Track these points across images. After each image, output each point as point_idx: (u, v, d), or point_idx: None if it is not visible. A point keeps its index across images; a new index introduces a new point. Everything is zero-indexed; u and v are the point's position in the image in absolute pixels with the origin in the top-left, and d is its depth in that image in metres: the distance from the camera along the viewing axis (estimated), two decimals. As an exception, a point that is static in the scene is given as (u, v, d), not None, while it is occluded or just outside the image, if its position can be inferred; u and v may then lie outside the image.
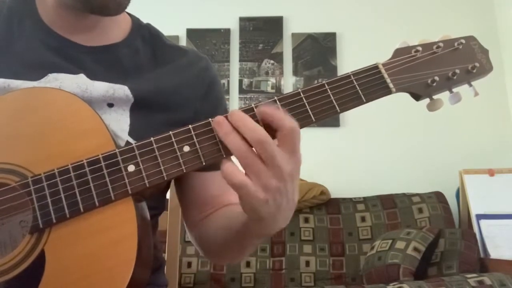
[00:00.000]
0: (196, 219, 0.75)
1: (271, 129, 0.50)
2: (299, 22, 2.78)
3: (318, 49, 2.73)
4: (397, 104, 2.23)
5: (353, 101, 0.57)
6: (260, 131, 0.49)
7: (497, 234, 2.07)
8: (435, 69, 0.60)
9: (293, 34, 2.76)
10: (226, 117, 0.51)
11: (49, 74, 0.65)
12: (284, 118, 0.49)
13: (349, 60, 2.68)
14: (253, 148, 0.49)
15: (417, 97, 0.61)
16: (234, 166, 0.48)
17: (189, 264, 2.15)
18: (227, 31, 2.78)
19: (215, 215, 0.72)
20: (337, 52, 2.72)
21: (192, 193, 0.75)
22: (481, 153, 2.50)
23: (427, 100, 0.62)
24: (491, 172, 2.26)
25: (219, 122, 0.51)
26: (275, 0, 2.81)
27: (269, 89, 2.71)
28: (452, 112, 2.44)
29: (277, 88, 2.70)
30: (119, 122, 0.66)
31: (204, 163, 0.53)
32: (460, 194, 2.30)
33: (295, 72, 2.72)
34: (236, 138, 0.49)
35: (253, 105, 0.54)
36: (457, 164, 2.37)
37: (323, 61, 2.72)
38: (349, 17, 2.76)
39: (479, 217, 2.14)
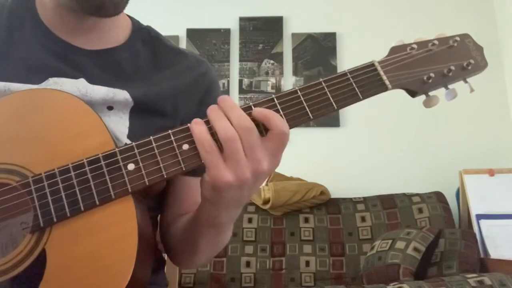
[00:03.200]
0: (170, 218, 0.75)
1: (265, 129, 0.53)
2: (299, 22, 2.78)
3: (318, 49, 2.73)
4: (397, 104, 2.24)
5: (350, 98, 0.58)
6: (247, 119, 0.51)
7: (497, 234, 2.07)
8: (430, 66, 0.61)
9: (293, 34, 2.76)
10: (218, 104, 0.53)
11: (50, 78, 0.65)
12: (278, 120, 0.52)
13: (349, 60, 2.68)
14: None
15: (413, 93, 0.62)
16: (207, 134, 0.51)
17: (189, 264, 2.15)
18: (227, 31, 2.78)
19: (184, 216, 0.72)
20: (337, 52, 2.72)
21: (173, 194, 0.75)
22: (481, 153, 2.50)
23: (423, 97, 0.62)
24: (491, 172, 2.26)
25: (211, 108, 0.53)
26: (275, 0, 2.81)
27: (269, 89, 2.71)
28: (452, 112, 2.46)
29: (277, 88, 2.70)
30: (118, 125, 0.66)
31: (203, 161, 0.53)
32: (460, 194, 2.30)
33: (295, 72, 2.72)
34: (226, 123, 0.51)
35: (251, 103, 0.55)
36: (457, 164, 2.37)
37: (323, 61, 2.72)
38: (349, 17, 2.77)
39: (479, 217, 2.14)
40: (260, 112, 0.53)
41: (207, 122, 0.54)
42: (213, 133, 0.52)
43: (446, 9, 2.72)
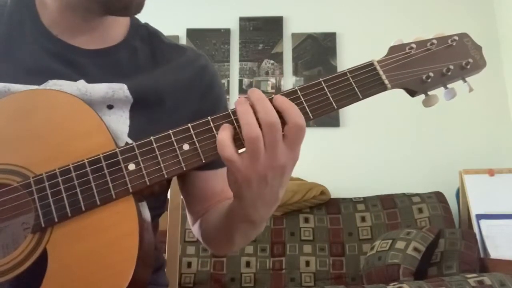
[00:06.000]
0: (199, 214, 0.78)
1: (281, 121, 0.52)
2: (299, 22, 2.78)
3: (318, 49, 2.73)
4: (397, 104, 2.24)
5: (350, 97, 0.58)
6: (273, 114, 0.51)
7: (497, 234, 2.07)
8: (429, 65, 0.61)
9: (293, 34, 2.76)
10: (247, 96, 0.53)
11: (49, 81, 0.65)
12: (295, 113, 0.51)
13: (349, 60, 2.68)
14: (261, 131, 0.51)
15: (412, 93, 0.62)
16: (228, 140, 0.51)
17: (189, 264, 2.16)
18: (227, 31, 2.78)
19: (213, 207, 0.75)
20: (337, 52, 2.72)
21: (195, 190, 0.78)
22: (481, 153, 2.50)
23: (423, 97, 0.63)
24: (491, 172, 2.26)
25: (239, 101, 0.53)
26: (275, 0, 2.81)
27: (269, 89, 2.71)
28: (452, 112, 2.46)
29: (277, 88, 2.70)
30: (119, 124, 0.66)
31: (203, 161, 0.54)
32: (460, 194, 2.30)
33: (295, 72, 2.72)
34: (252, 120, 0.51)
35: (273, 95, 0.55)
36: (457, 164, 2.37)
37: (323, 61, 2.72)
38: (349, 17, 2.77)
39: (479, 217, 2.14)
40: (280, 101, 0.53)
41: (228, 116, 0.54)
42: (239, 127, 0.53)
43: (446, 9, 2.72)
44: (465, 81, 0.63)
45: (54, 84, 0.64)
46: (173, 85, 0.72)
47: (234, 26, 2.80)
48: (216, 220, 0.70)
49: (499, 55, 2.63)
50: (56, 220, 0.51)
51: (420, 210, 2.24)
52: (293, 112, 0.51)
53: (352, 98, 0.58)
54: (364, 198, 2.38)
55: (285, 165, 0.52)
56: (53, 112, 0.58)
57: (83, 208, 0.52)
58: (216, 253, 0.81)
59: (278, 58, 2.75)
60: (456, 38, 0.63)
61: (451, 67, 0.61)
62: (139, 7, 0.67)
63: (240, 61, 2.76)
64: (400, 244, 1.87)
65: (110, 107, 0.66)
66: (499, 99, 2.62)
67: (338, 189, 2.42)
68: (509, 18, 2.60)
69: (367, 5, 2.77)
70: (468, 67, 0.62)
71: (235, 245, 0.70)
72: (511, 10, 2.58)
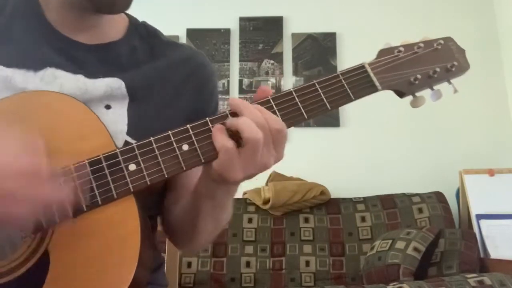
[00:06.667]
0: (170, 203, 0.76)
1: None
2: (299, 22, 2.78)
3: (318, 49, 2.74)
4: (396, 104, 2.23)
5: (343, 98, 0.60)
6: (264, 120, 0.54)
7: (497, 234, 2.07)
8: (417, 68, 0.64)
9: (293, 34, 2.77)
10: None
11: (48, 68, 0.65)
12: (272, 120, 0.54)
13: (349, 60, 2.68)
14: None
15: (401, 94, 0.64)
16: (224, 132, 0.54)
17: (189, 264, 2.16)
18: (227, 31, 2.78)
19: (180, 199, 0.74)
20: (337, 52, 2.73)
21: (173, 182, 0.76)
22: (481, 153, 2.50)
23: (411, 98, 0.65)
24: (491, 172, 2.26)
25: (240, 108, 0.55)
26: (275, 0, 2.81)
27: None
28: (452, 112, 2.46)
29: (277, 88, 2.71)
30: (117, 123, 0.66)
31: (203, 161, 0.55)
32: (460, 194, 2.31)
33: (295, 72, 2.72)
34: (252, 123, 0.53)
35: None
36: (457, 164, 2.37)
37: (323, 61, 2.72)
38: (349, 17, 2.77)
39: (479, 217, 2.14)
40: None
41: (226, 117, 0.56)
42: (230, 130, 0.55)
43: (446, 9, 2.72)
44: (450, 83, 0.65)
45: (52, 74, 0.65)
46: (171, 82, 0.73)
47: (234, 26, 2.80)
48: (181, 207, 0.71)
49: (499, 55, 2.63)
50: (57, 220, 0.51)
51: (420, 210, 2.24)
52: (270, 118, 0.54)
53: (345, 99, 0.60)
54: (364, 198, 2.38)
55: (270, 164, 0.55)
56: (53, 114, 0.58)
57: (85, 209, 0.52)
58: (179, 245, 0.80)
59: (278, 58, 2.75)
60: (442, 41, 0.65)
61: (437, 69, 0.63)
62: (126, 4, 0.67)
63: (240, 61, 2.76)
64: (400, 244, 1.87)
65: (108, 107, 0.67)
66: (499, 99, 2.62)
67: (338, 189, 2.42)
68: (509, 18, 2.60)
69: (367, 5, 2.77)
70: (453, 69, 0.64)
71: (198, 230, 0.68)
72: (511, 10, 2.58)
